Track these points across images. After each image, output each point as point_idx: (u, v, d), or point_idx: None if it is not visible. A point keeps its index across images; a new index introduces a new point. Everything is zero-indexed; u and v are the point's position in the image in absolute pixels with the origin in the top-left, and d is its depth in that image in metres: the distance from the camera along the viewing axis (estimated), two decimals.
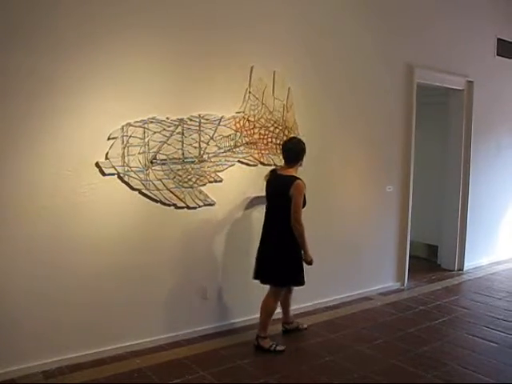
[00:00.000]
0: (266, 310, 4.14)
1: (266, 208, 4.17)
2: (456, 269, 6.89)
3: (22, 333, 3.56)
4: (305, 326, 4.63)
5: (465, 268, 6.90)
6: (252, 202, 4.54)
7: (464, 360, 4.07)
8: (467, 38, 6.56)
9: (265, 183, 4.23)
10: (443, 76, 6.27)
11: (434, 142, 7.14)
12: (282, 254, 4.01)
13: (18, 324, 3.54)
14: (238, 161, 4.47)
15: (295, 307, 4.90)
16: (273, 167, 4.41)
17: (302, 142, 4.21)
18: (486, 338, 4.53)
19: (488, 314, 5.18)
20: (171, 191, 4.11)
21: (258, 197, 4.45)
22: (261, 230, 4.15)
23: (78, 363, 3.75)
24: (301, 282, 4.12)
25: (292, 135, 4.60)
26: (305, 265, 4.08)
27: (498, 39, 7.02)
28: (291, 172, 4.07)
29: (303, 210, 4.01)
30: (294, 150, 4.10)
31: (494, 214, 7.37)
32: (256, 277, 4.14)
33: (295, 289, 4.35)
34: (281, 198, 4.00)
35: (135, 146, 3.90)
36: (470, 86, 6.63)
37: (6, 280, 3.49)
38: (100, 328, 3.88)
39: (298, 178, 4.00)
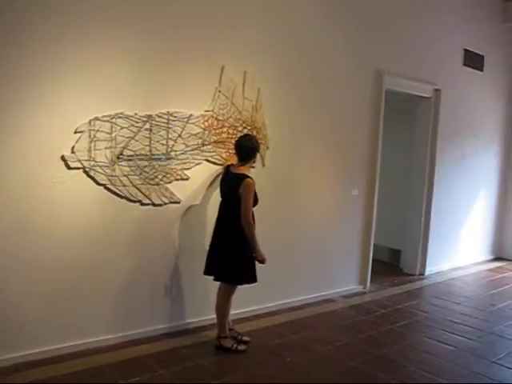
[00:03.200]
0: (220, 310, 4.13)
1: (220, 204, 4.15)
2: (417, 273, 7.00)
3: None
4: (246, 338, 4.34)
5: (426, 273, 7.02)
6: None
7: (422, 362, 4.16)
8: (436, 47, 6.69)
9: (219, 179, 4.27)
10: (412, 83, 6.37)
11: (400, 147, 7.23)
12: (232, 252, 3.99)
13: None
14: (206, 159, 4.45)
15: (259, 307, 4.96)
16: (227, 163, 4.39)
17: (254, 139, 4.22)
18: (443, 341, 4.63)
19: (446, 318, 5.30)
20: (137, 188, 4.07)
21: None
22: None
23: (35, 360, 3.67)
24: (251, 281, 4.06)
25: (247, 133, 4.56)
26: (259, 264, 4.04)
27: (465, 50, 7.19)
28: (242, 170, 4.06)
29: (255, 208, 4.02)
30: (245, 148, 4.09)
31: (456, 220, 7.54)
32: (207, 272, 4.11)
33: (262, 288, 4.33)
34: (231, 195, 3.99)
35: (102, 140, 3.85)
36: (437, 94, 6.76)
37: None
38: (59, 324, 3.82)
39: (248, 177, 3.98)
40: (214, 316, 4.22)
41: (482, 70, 7.52)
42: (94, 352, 3.90)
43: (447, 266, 7.44)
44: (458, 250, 7.69)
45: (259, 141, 4.40)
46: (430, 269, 7.07)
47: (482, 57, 7.48)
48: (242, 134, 4.43)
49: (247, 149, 4.09)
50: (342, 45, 5.46)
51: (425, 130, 6.83)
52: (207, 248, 4.14)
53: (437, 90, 6.74)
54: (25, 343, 3.67)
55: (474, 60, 7.31)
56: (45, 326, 3.75)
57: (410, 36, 6.28)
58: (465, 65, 7.22)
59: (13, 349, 3.61)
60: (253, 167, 4.21)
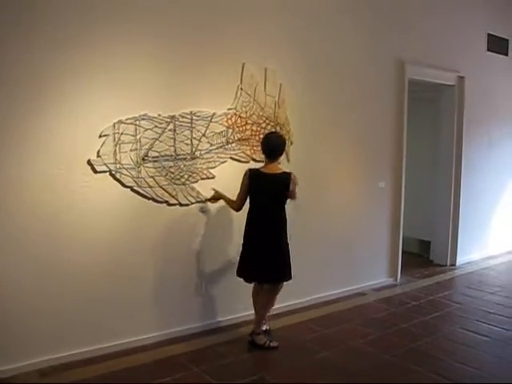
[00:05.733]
0: (264, 308, 4.14)
1: (253, 207, 4.04)
2: (448, 264, 6.92)
3: (16, 332, 3.53)
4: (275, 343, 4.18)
5: (457, 263, 6.92)
6: None
7: (457, 354, 4.09)
8: (458, 33, 6.59)
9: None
10: (434, 72, 6.28)
11: (426, 137, 7.14)
12: (285, 251, 4.04)
13: (10, 323, 3.51)
14: (230, 157, 4.46)
15: (291, 302, 4.95)
16: (251, 167, 4.22)
17: (281, 135, 4.26)
18: (478, 332, 4.56)
19: (480, 308, 5.21)
20: (163, 188, 4.09)
21: None
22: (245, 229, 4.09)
23: (72, 361, 3.71)
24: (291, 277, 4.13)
25: (273, 130, 4.58)
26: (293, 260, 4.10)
27: (489, 34, 7.06)
28: (279, 168, 4.05)
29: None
30: (276, 145, 4.04)
31: (486, 208, 7.41)
32: (259, 280, 4.08)
33: (294, 284, 4.28)
34: (278, 196, 3.98)
35: (127, 143, 3.87)
36: (461, 82, 6.64)
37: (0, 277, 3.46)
38: (93, 326, 3.86)
39: (291, 172, 4.03)
40: (246, 313, 4.25)
41: (506, 55, 7.38)
42: (128, 353, 3.93)
43: (478, 255, 7.32)
44: (489, 238, 7.57)
45: (284, 136, 4.38)
46: (461, 259, 6.97)
47: (506, 41, 7.33)
48: (267, 132, 4.42)
49: (279, 146, 4.05)
50: (361, 35, 5.41)
51: (450, 119, 6.72)
52: (237, 244, 4.13)
53: (460, 77, 6.62)
54: (59, 346, 3.72)
55: (498, 44, 7.16)
56: (78, 330, 3.79)
57: (430, 23, 6.18)
58: (489, 50, 7.08)
59: (48, 351, 3.66)
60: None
